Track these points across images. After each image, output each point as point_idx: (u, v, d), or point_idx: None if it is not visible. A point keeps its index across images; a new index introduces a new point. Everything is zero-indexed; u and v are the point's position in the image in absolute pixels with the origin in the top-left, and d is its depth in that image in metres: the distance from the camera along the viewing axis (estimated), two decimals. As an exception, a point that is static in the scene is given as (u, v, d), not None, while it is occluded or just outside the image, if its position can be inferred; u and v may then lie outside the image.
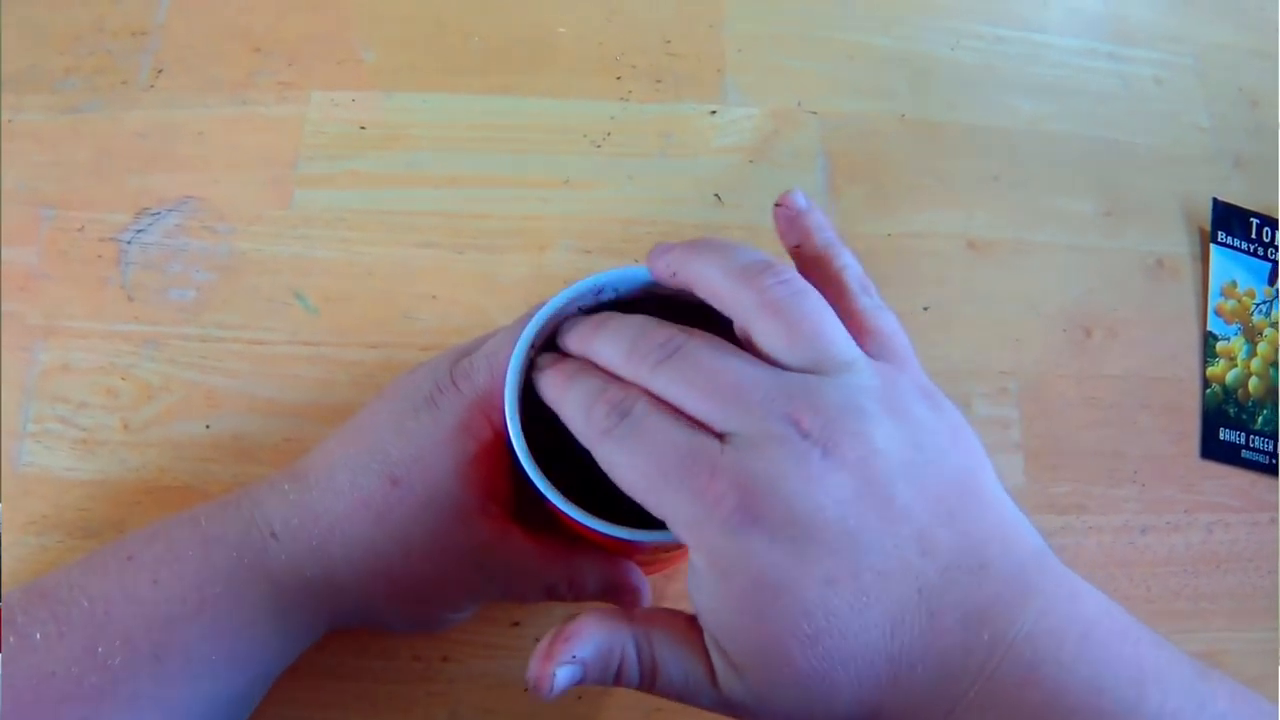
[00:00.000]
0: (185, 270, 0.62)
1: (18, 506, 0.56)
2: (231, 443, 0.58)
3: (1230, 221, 0.71)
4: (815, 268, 0.43)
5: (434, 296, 0.62)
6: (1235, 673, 0.59)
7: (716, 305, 0.40)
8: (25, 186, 0.63)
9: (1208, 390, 0.67)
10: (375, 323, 0.62)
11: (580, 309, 0.46)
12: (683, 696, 0.39)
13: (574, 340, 0.43)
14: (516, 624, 0.56)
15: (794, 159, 0.69)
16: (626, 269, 0.46)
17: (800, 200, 0.44)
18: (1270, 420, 0.67)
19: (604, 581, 0.49)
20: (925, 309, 0.65)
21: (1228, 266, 0.70)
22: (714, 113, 0.70)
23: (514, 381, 0.43)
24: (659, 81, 0.70)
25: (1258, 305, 0.69)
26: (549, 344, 0.46)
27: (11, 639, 0.42)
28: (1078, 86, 0.75)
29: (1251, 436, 0.66)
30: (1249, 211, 0.71)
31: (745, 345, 0.39)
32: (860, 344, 0.39)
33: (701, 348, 0.38)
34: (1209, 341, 0.68)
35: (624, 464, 0.37)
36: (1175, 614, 0.61)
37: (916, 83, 0.73)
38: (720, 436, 0.36)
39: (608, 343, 0.41)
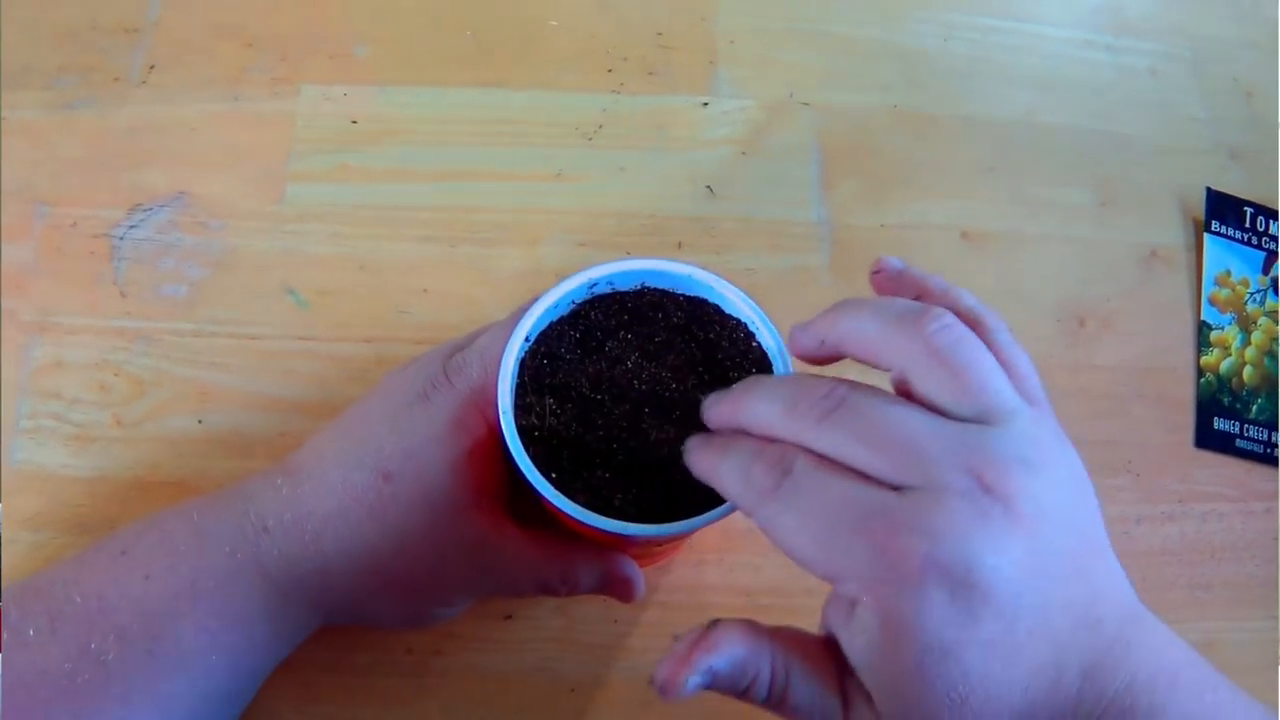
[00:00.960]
0: (178, 266, 0.62)
1: (12, 503, 0.56)
2: (224, 438, 0.58)
3: (1224, 211, 0.71)
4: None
5: (426, 290, 0.62)
6: (1231, 662, 0.59)
7: (871, 359, 0.38)
8: (18, 183, 0.63)
9: (1202, 380, 0.67)
10: (368, 317, 0.62)
11: (574, 302, 0.46)
12: None
13: (722, 411, 0.41)
14: (509, 618, 0.56)
15: (787, 151, 0.69)
16: (619, 262, 0.46)
17: (896, 262, 0.43)
18: (1265, 409, 0.67)
19: (598, 575, 0.49)
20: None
21: (1222, 256, 0.70)
22: (706, 105, 0.70)
23: (508, 376, 0.44)
24: (651, 74, 0.70)
25: (1252, 294, 0.69)
26: (544, 339, 0.46)
27: (5, 636, 0.42)
28: (1072, 77, 0.75)
29: (1246, 426, 0.66)
30: (1243, 200, 0.71)
31: (901, 393, 0.38)
32: None
33: (867, 398, 0.37)
34: (1203, 331, 0.68)
35: (791, 525, 0.36)
36: (1170, 604, 0.61)
37: (910, 74, 0.73)
38: (894, 489, 0.35)
39: (761, 403, 0.39)
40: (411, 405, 0.46)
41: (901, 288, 0.43)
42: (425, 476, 0.45)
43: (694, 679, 0.36)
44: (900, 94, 0.72)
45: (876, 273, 0.43)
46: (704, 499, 0.42)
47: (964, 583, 0.33)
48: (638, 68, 0.70)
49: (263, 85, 0.67)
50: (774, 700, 0.38)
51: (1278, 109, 0.76)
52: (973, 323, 0.40)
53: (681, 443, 0.43)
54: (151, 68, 0.67)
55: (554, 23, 0.71)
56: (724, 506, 0.41)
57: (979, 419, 0.36)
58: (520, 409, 0.44)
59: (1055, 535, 0.35)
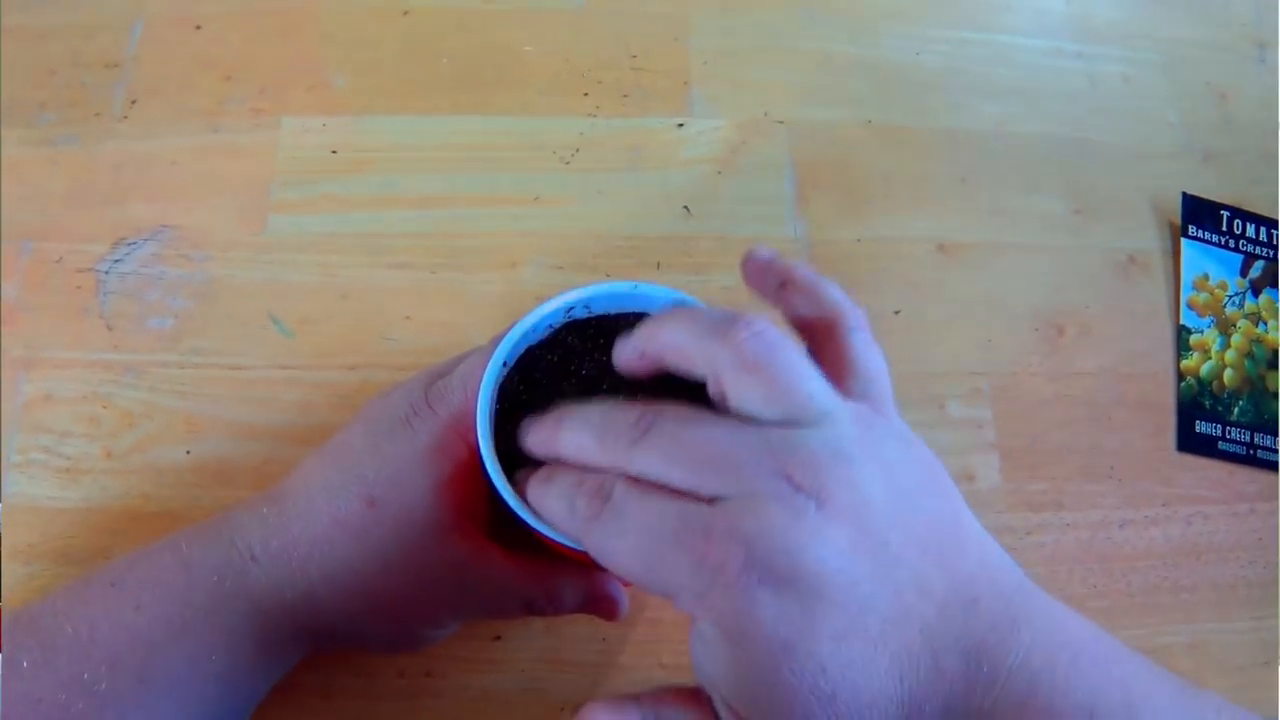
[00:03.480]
0: (163, 298, 0.62)
1: (4, 536, 0.57)
2: (212, 467, 0.59)
3: (1201, 215, 0.71)
4: (806, 303, 0.43)
5: (408, 317, 0.63)
6: (1220, 663, 0.60)
7: (688, 369, 0.39)
8: (3, 220, 0.64)
9: (1182, 383, 0.67)
10: (351, 344, 0.62)
11: (551, 327, 0.47)
12: None
13: (537, 442, 0.42)
14: (498, 638, 0.56)
15: (762, 169, 0.70)
16: (596, 286, 0.46)
17: (764, 251, 0.44)
18: (1246, 411, 0.67)
19: (582, 594, 0.50)
20: (896, 313, 0.66)
21: (1199, 259, 0.70)
22: (681, 125, 0.70)
23: (486, 402, 0.44)
24: (626, 96, 0.71)
25: (1231, 297, 0.70)
26: (521, 364, 0.46)
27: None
28: (1044, 86, 0.75)
29: (1228, 428, 0.66)
30: (1220, 204, 0.72)
31: (719, 403, 0.39)
32: (842, 384, 0.40)
33: (674, 419, 0.38)
34: (1182, 335, 0.68)
35: (616, 547, 0.37)
36: (1156, 607, 0.61)
37: (882, 89, 0.74)
38: (709, 502, 0.36)
39: (574, 434, 0.40)
40: (394, 432, 0.47)
41: (770, 275, 0.44)
42: (409, 501, 0.46)
43: None
44: (873, 108, 0.73)
45: (745, 263, 0.44)
46: None
47: (789, 580, 0.34)
48: (613, 91, 0.71)
49: (243, 117, 0.68)
50: None
51: (1250, 111, 0.76)
52: (832, 318, 0.42)
53: None
54: (133, 102, 0.68)
55: (529, 48, 0.72)
56: None
57: (789, 422, 0.37)
58: (499, 434, 0.44)
59: (890, 523, 0.36)
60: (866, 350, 0.41)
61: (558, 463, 0.41)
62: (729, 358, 0.38)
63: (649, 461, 0.37)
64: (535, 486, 0.41)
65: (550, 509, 0.40)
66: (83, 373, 0.61)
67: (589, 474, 0.39)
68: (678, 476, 0.36)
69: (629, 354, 0.42)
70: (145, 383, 0.61)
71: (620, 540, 0.37)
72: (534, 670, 0.56)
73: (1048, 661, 0.36)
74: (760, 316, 0.39)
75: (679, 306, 0.42)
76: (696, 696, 0.39)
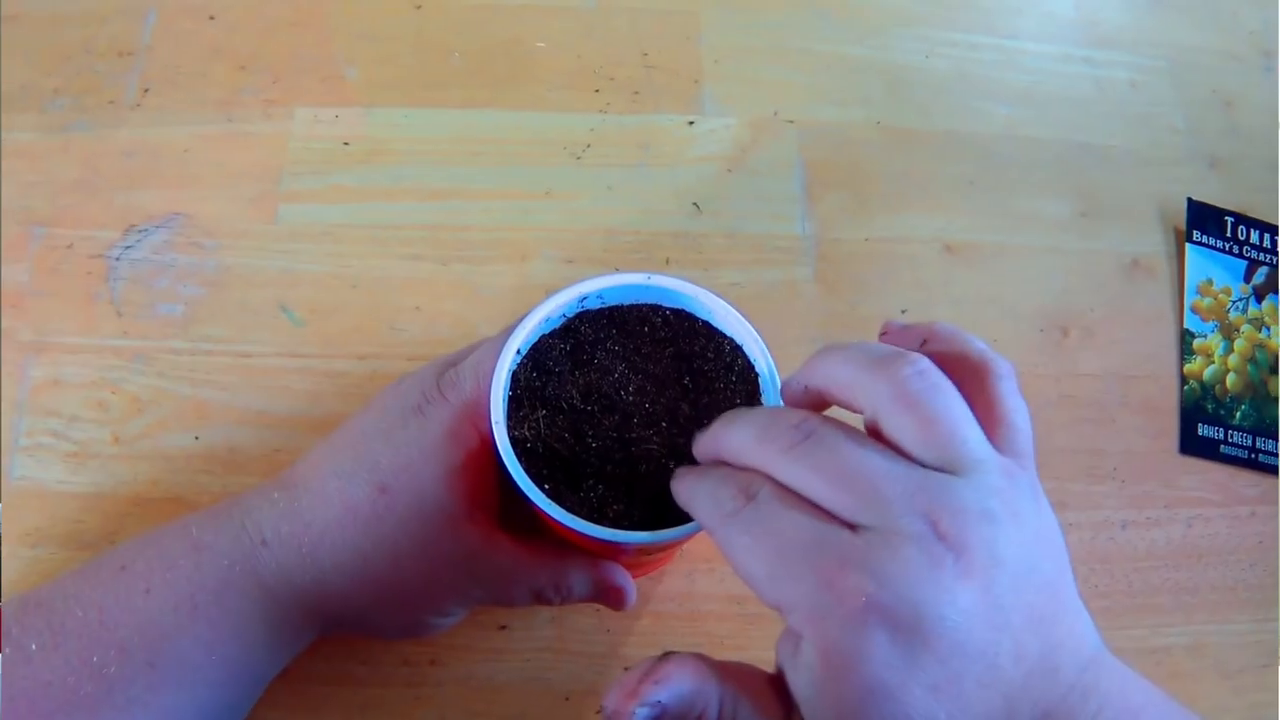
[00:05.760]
0: (173, 285, 0.63)
1: (11, 519, 0.57)
2: (221, 454, 0.59)
3: (1205, 220, 0.72)
4: (949, 356, 0.41)
5: (418, 308, 0.63)
6: (1219, 665, 0.60)
7: (848, 400, 0.39)
8: (15, 205, 0.64)
9: (1186, 387, 0.67)
10: (361, 334, 0.62)
11: (564, 316, 0.47)
12: None
13: (704, 443, 0.42)
14: (504, 627, 0.57)
15: (771, 167, 0.70)
16: (609, 276, 0.47)
17: (897, 321, 0.44)
18: (1248, 415, 0.67)
19: (590, 584, 0.50)
20: (903, 312, 0.66)
21: (1204, 265, 0.70)
22: (692, 123, 0.71)
23: (500, 389, 0.44)
24: (637, 93, 0.71)
25: (1234, 302, 0.70)
26: (534, 353, 0.46)
27: (8, 650, 0.42)
28: (1052, 91, 0.76)
29: (1230, 432, 0.67)
30: (1224, 210, 0.72)
31: (873, 436, 0.38)
32: (991, 433, 0.38)
33: (835, 433, 0.37)
34: (1186, 339, 0.68)
35: (746, 547, 0.36)
36: (1157, 608, 0.62)
37: (892, 90, 0.74)
38: (850, 527, 0.35)
39: (736, 430, 0.40)
40: (406, 419, 0.47)
41: (908, 339, 0.43)
42: (420, 488, 0.46)
43: (641, 711, 0.37)
44: (883, 110, 0.73)
45: (882, 335, 0.44)
46: None
47: (907, 627, 0.34)
48: (624, 88, 0.71)
49: (255, 107, 0.68)
50: None
51: (1256, 119, 0.77)
52: (980, 366, 0.40)
53: (669, 451, 0.44)
54: (146, 90, 0.68)
55: (541, 44, 0.72)
56: None
57: (944, 467, 0.36)
58: (513, 421, 0.44)
59: (1011, 588, 0.35)
60: (1014, 401, 0.40)
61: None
62: (889, 392, 0.37)
63: (800, 470, 0.37)
64: (687, 481, 0.41)
65: (696, 501, 0.40)
66: (92, 358, 0.61)
67: (740, 472, 0.39)
68: (824, 492, 0.36)
69: (795, 390, 0.41)
70: (154, 369, 0.61)
71: (751, 541, 0.36)
72: (539, 660, 0.56)
73: None
74: (922, 357, 0.38)
75: (837, 344, 0.41)
76: (774, 689, 0.39)
